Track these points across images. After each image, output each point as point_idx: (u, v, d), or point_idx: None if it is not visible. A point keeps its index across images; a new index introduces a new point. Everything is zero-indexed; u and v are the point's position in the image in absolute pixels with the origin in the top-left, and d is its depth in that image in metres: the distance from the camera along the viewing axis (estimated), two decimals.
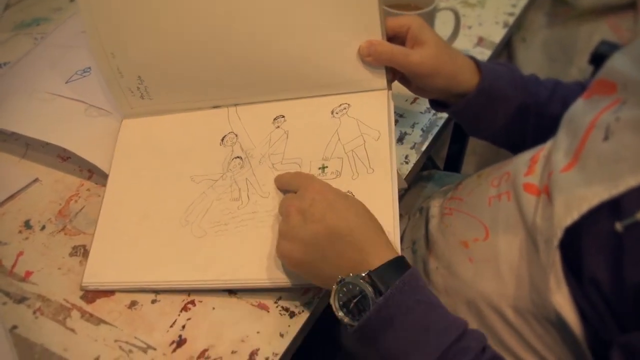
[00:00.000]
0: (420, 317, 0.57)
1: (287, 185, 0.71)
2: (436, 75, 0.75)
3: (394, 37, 0.75)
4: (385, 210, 0.68)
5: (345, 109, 0.76)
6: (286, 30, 0.75)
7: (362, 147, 0.73)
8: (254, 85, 0.79)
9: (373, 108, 0.75)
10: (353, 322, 0.58)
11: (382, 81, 0.76)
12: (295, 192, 0.66)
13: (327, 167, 0.73)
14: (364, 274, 0.58)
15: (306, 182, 0.66)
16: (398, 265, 0.60)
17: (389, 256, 0.60)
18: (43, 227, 0.74)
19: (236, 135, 0.78)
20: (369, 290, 0.57)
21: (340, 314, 0.59)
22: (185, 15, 0.75)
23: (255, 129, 0.78)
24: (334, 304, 0.59)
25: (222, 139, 0.78)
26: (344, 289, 0.58)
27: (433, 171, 1.05)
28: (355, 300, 0.58)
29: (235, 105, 0.80)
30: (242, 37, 0.75)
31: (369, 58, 0.74)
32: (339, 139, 0.74)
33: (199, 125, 0.80)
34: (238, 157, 0.76)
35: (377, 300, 0.56)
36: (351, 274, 0.58)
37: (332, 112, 0.76)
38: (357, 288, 0.58)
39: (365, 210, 0.64)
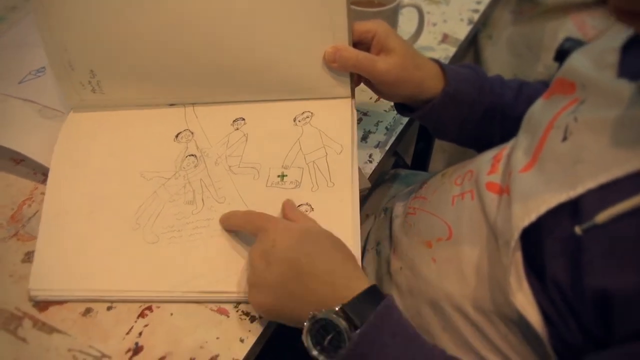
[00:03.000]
0: (396, 353, 0.55)
1: (238, 228, 0.68)
2: (402, 83, 0.74)
3: (359, 43, 0.74)
4: (344, 226, 0.67)
5: (308, 117, 0.75)
6: (250, 30, 0.73)
7: (323, 159, 0.72)
8: (214, 84, 0.76)
9: (337, 119, 0.75)
10: (328, 359, 0.56)
11: (347, 89, 0.75)
12: (251, 233, 0.65)
13: (286, 175, 0.71)
14: (337, 308, 0.56)
15: (263, 223, 0.64)
16: (371, 295, 0.58)
17: (361, 286, 0.58)
18: None
19: (192, 133, 0.76)
20: (343, 324, 0.55)
21: (314, 352, 0.57)
22: (143, 9, 0.72)
23: (212, 128, 0.76)
24: (307, 342, 0.57)
25: (177, 136, 0.76)
26: (317, 326, 0.57)
27: (399, 170, 1.04)
28: (329, 337, 0.56)
29: (193, 104, 0.78)
30: (202, 34, 0.73)
31: (334, 64, 0.73)
32: (300, 148, 0.73)
33: (153, 120, 0.77)
34: (192, 155, 0.74)
35: (352, 335, 0.55)
36: (323, 310, 0.57)
37: (295, 120, 0.75)
38: (331, 324, 0.56)
39: (333, 242, 0.63)
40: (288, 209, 0.68)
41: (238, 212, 0.69)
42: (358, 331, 0.55)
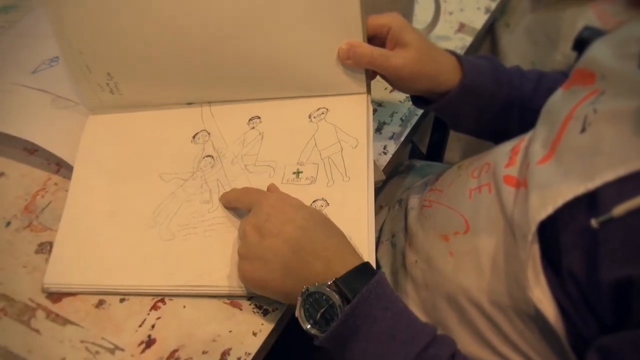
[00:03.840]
0: (387, 326, 0.56)
1: (236, 203, 0.68)
2: (417, 78, 0.73)
3: (374, 37, 0.73)
4: (360, 220, 0.67)
5: (323, 113, 0.74)
6: (264, 28, 0.72)
7: (339, 154, 0.71)
8: (230, 83, 0.76)
9: (352, 114, 0.74)
10: (320, 333, 0.57)
11: (362, 85, 0.74)
12: (246, 208, 0.65)
13: (301, 172, 0.71)
14: (329, 282, 0.57)
15: (258, 197, 0.64)
16: (364, 271, 0.59)
17: (354, 262, 0.59)
18: (8, 224, 0.72)
19: (208, 134, 0.76)
20: (336, 298, 0.56)
21: (307, 325, 0.58)
22: (157, 11, 0.71)
23: (229, 128, 0.76)
24: (300, 315, 0.58)
25: (194, 137, 0.76)
26: (310, 300, 0.57)
27: (414, 161, 1.03)
28: (322, 311, 0.57)
29: (210, 103, 0.78)
30: (217, 33, 0.72)
31: (348, 61, 0.72)
32: (315, 144, 0.72)
33: (170, 121, 0.78)
34: (209, 155, 0.74)
35: (344, 308, 0.55)
36: (317, 283, 0.57)
37: (310, 116, 0.74)
38: (324, 297, 0.56)
39: (325, 219, 0.63)
40: (275, 189, 0.68)
41: (235, 188, 0.69)
42: (350, 304, 0.55)
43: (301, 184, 0.70)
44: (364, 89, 0.75)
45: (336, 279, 0.57)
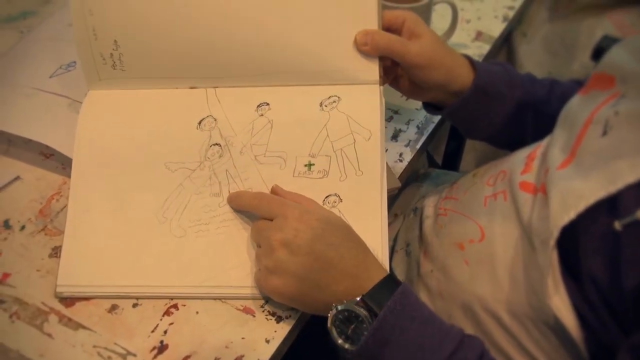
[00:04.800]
0: (414, 335, 0.57)
1: (250, 209, 0.67)
2: (435, 66, 0.73)
3: (388, 29, 0.73)
4: (373, 216, 0.66)
5: (335, 102, 0.72)
6: (279, 11, 0.71)
7: (351, 147, 0.70)
8: (239, 65, 0.74)
9: (364, 104, 0.72)
10: (352, 347, 0.58)
11: (375, 73, 0.73)
12: (263, 216, 0.65)
13: (313, 164, 0.70)
14: (358, 299, 0.58)
15: (282, 210, 0.63)
16: (388, 284, 0.60)
17: (379, 276, 0.60)
18: (23, 227, 0.72)
19: (215, 120, 0.73)
20: (364, 314, 0.57)
21: (340, 341, 0.59)
22: None
23: (236, 115, 0.73)
24: (333, 332, 0.59)
25: (200, 123, 0.73)
26: (340, 317, 0.58)
27: (430, 169, 1.03)
28: (352, 327, 0.58)
29: (215, 87, 0.76)
30: (229, 12, 0.71)
31: (365, 47, 0.71)
32: (327, 135, 0.71)
33: (174, 104, 0.75)
34: (217, 144, 0.72)
35: (372, 323, 0.57)
36: (345, 301, 0.58)
37: (321, 104, 0.73)
38: (353, 314, 0.58)
39: (350, 232, 0.63)
40: (283, 192, 0.68)
41: (247, 193, 0.69)
42: (377, 318, 0.56)
43: (313, 177, 0.69)
44: (377, 77, 0.73)
45: (363, 295, 0.58)
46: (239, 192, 0.69)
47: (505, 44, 1.35)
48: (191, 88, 0.76)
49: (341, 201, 0.68)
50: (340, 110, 0.72)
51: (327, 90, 0.73)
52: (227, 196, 0.69)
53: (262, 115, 0.73)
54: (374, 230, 0.65)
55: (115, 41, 0.74)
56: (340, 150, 0.70)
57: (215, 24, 0.72)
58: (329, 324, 0.59)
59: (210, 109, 0.74)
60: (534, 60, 1.33)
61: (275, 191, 0.68)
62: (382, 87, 0.73)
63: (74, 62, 0.85)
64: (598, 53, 1.11)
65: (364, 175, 0.68)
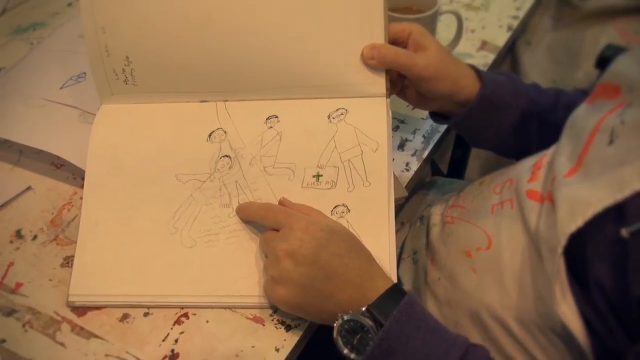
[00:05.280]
0: (420, 345, 0.57)
1: (257, 219, 0.68)
2: (441, 78, 0.73)
3: (394, 42, 0.74)
4: (381, 226, 0.67)
5: (342, 114, 0.74)
6: (288, 26, 0.73)
7: (359, 158, 0.71)
8: (248, 79, 0.75)
9: (372, 116, 0.73)
10: (358, 357, 0.58)
11: (382, 86, 0.74)
12: (270, 226, 0.66)
13: (321, 175, 0.71)
14: (363, 309, 0.58)
15: (288, 220, 0.63)
16: (394, 294, 0.60)
17: (385, 286, 0.60)
18: (35, 237, 0.73)
19: (225, 132, 0.75)
20: (370, 324, 0.58)
21: (345, 351, 0.59)
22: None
23: (245, 127, 0.75)
24: (339, 342, 0.59)
25: (210, 135, 0.75)
26: (345, 327, 0.59)
27: (435, 178, 1.03)
28: (358, 337, 0.58)
29: (225, 101, 0.77)
30: (241, 27, 0.73)
31: (372, 61, 0.72)
32: (335, 147, 0.72)
33: (184, 117, 0.76)
34: (226, 155, 0.73)
35: (378, 333, 0.57)
36: (351, 311, 0.59)
37: (329, 117, 0.74)
38: (359, 324, 0.58)
39: (354, 241, 0.64)
40: (290, 204, 0.68)
41: (255, 204, 0.69)
42: (383, 328, 0.57)
43: (321, 188, 0.70)
44: (384, 90, 0.74)
45: (369, 305, 0.58)
46: (247, 203, 0.70)
47: (509, 52, 1.35)
48: (201, 102, 0.77)
49: (349, 211, 0.68)
50: (348, 123, 0.73)
51: (335, 102, 0.75)
52: (236, 207, 0.70)
53: (271, 127, 0.74)
54: (381, 241, 0.66)
55: (127, 57, 0.75)
56: (348, 162, 0.71)
57: (224, 40, 0.73)
58: (334, 334, 0.59)
59: (220, 122, 0.75)
60: (538, 68, 1.33)
61: (282, 203, 0.69)
62: (388, 99, 0.74)
63: (84, 73, 0.86)
64: (602, 61, 1.12)
65: (372, 186, 0.69)
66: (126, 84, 0.77)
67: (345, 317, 0.58)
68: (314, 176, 0.71)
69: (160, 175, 0.73)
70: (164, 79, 0.76)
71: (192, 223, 0.70)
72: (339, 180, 0.70)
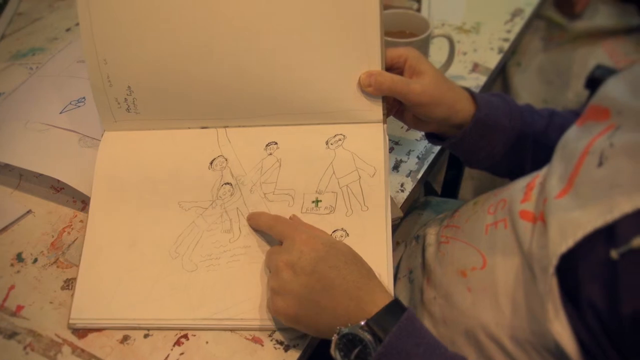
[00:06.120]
0: None
1: (266, 229, 0.70)
2: (437, 103, 0.75)
3: (391, 68, 0.76)
4: (379, 250, 0.68)
5: (340, 140, 0.75)
6: (286, 55, 0.74)
7: (357, 183, 0.72)
8: (248, 107, 0.77)
9: (369, 142, 0.75)
10: None
11: (379, 113, 0.76)
12: (275, 237, 0.67)
13: (320, 201, 0.72)
14: (362, 323, 0.58)
15: (291, 232, 0.65)
16: (394, 309, 0.60)
17: (385, 300, 0.60)
18: (35, 260, 0.74)
19: (226, 160, 0.76)
20: (368, 339, 0.57)
21: None
22: (183, 28, 0.74)
23: (246, 154, 0.76)
24: (337, 356, 0.59)
25: (211, 163, 0.76)
26: (344, 340, 0.59)
27: (430, 198, 1.04)
28: (356, 351, 0.58)
29: (225, 127, 0.79)
30: (240, 57, 0.74)
31: (369, 88, 0.74)
32: (333, 172, 0.73)
33: (186, 144, 0.78)
34: (228, 183, 0.75)
35: (377, 348, 0.57)
36: (349, 325, 0.59)
37: (327, 143, 0.75)
38: (357, 338, 0.58)
39: (354, 256, 0.64)
40: (299, 221, 0.70)
41: (266, 214, 0.71)
42: (382, 343, 0.56)
43: (320, 213, 0.71)
44: (381, 117, 0.76)
45: (368, 319, 0.58)
46: (259, 213, 0.72)
47: (500, 74, 1.37)
48: (202, 128, 0.79)
49: (348, 235, 0.70)
50: (346, 148, 0.75)
51: (333, 129, 0.76)
52: (248, 215, 0.72)
53: (270, 154, 0.76)
54: (379, 263, 0.66)
55: (129, 87, 0.77)
56: (346, 187, 0.72)
57: (224, 69, 0.75)
58: (332, 349, 0.59)
59: (221, 149, 0.77)
60: (529, 89, 1.35)
61: (293, 220, 0.70)
62: (385, 125, 0.76)
63: (84, 97, 0.87)
64: (592, 82, 1.14)
65: (369, 210, 0.71)
66: (128, 112, 0.79)
67: (344, 331, 0.58)
68: (313, 202, 0.72)
69: (164, 202, 0.74)
70: (166, 106, 0.78)
71: (193, 248, 0.71)
72: (337, 205, 0.71)
